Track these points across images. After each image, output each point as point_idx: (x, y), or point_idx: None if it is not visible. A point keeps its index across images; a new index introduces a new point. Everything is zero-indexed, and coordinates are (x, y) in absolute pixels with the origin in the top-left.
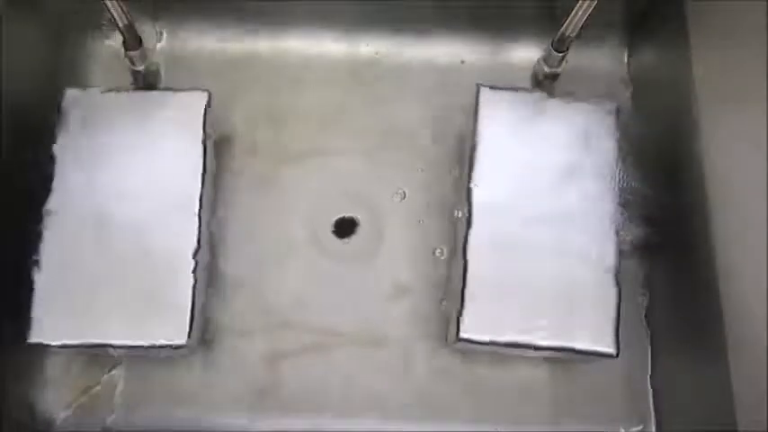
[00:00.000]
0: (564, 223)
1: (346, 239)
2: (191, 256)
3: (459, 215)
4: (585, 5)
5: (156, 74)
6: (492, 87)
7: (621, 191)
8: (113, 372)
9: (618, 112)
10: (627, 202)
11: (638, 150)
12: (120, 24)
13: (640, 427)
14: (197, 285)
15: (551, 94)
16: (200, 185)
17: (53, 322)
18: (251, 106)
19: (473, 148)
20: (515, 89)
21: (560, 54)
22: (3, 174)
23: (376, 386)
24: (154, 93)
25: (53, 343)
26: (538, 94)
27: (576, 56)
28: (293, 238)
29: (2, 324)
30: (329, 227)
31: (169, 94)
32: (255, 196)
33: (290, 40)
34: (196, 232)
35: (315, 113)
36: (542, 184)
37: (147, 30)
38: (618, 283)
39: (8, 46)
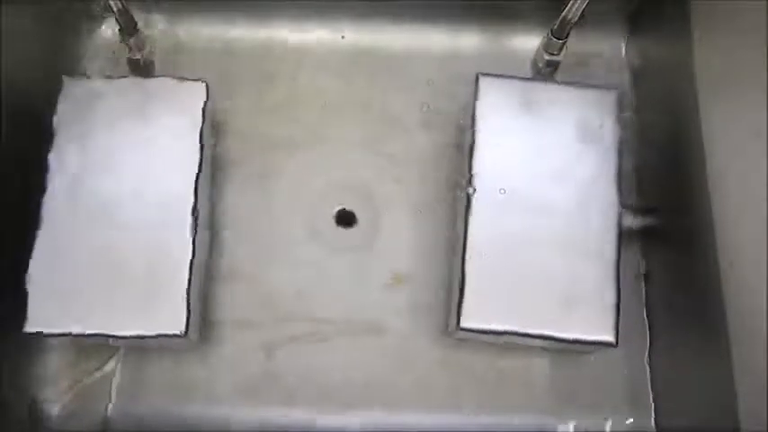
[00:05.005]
0: (564, 212)
1: (345, 230)
2: (188, 246)
3: (459, 205)
4: None
5: (153, 62)
6: (492, 76)
7: (622, 179)
8: (111, 362)
9: (619, 99)
10: (627, 190)
11: (639, 137)
12: (115, 9)
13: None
14: (194, 274)
15: (552, 81)
16: (197, 175)
17: (50, 312)
18: (248, 96)
19: (473, 138)
20: (515, 77)
21: (560, 41)
22: (0, 163)
23: (376, 376)
24: (152, 81)
25: (50, 332)
26: (538, 83)
27: (577, 43)
28: (291, 228)
29: None
30: (328, 217)
31: (167, 83)
32: (253, 186)
33: (288, 29)
34: (193, 222)
35: (313, 103)
36: (543, 173)
37: (143, 18)
38: (618, 272)
39: (5, 35)
